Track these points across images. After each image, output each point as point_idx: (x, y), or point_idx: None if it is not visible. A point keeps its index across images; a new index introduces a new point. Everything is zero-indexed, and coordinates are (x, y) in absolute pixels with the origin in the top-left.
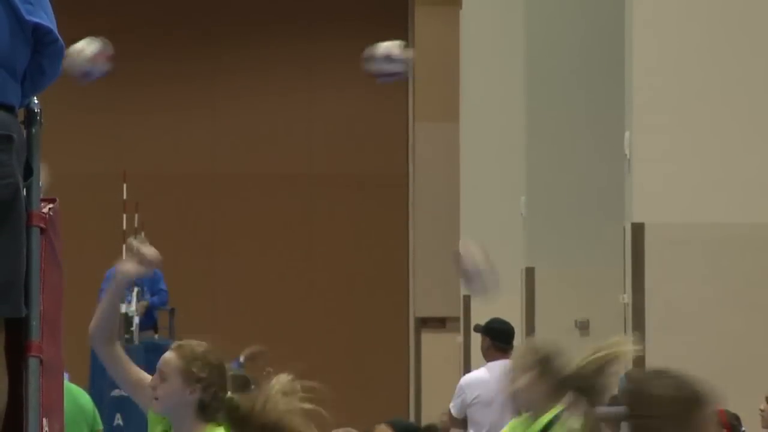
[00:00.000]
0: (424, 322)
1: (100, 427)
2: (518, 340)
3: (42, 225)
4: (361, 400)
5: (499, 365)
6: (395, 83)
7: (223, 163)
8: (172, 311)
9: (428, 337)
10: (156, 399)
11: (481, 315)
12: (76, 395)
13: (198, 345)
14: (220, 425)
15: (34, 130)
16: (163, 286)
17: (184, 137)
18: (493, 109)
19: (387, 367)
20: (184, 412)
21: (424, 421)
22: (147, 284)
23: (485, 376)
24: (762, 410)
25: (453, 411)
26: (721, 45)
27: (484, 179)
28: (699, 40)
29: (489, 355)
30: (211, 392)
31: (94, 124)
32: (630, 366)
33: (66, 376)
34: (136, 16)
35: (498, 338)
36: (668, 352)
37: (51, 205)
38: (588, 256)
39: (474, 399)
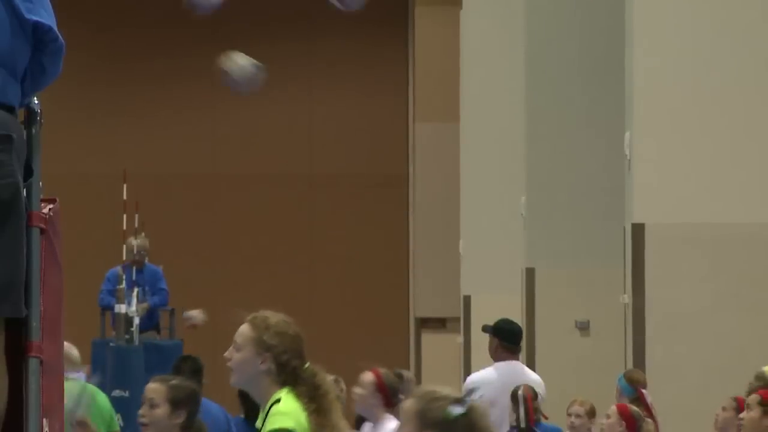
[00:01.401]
0: (425, 323)
1: (117, 428)
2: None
3: (42, 225)
4: None
5: (507, 365)
6: (397, 84)
7: (223, 163)
8: (172, 311)
9: (428, 338)
10: (232, 370)
11: (482, 315)
12: (94, 395)
13: (273, 315)
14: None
15: (34, 130)
16: (163, 285)
17: (184, 137)
18: (493, 109)
19: (387, 367)
20: (258, 381)
21: None
22: (148, 284)
23: (491, 376)
24: (717, 415)
25: None
26: (722, 45)
27: (484, 179)
28: (700, 40)
29: (497, 356)
30: (282, 360)
31: (94, 124)
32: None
33: (83, 377)
34: (137, 15)
35: (506, 339)
36: (668, 352)
37: (51, 206)
38: (588, 256)
39: (478, 398)
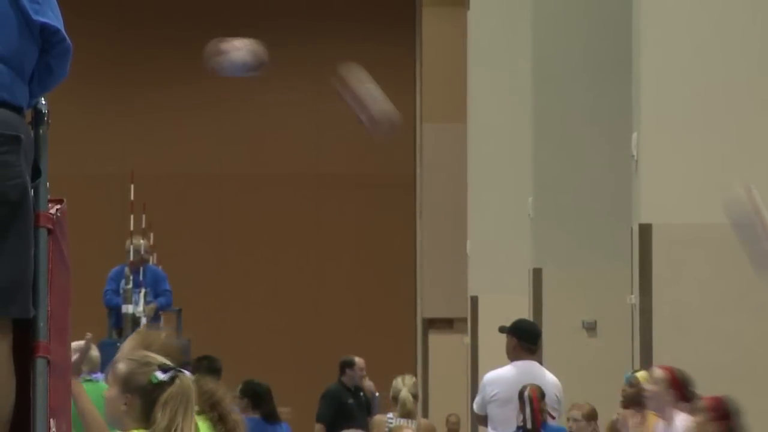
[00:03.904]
0: (432, 323)
1: None
2: None
3: (49, 226)
4: None
5: (526, 365)
6: (404, 85)
7: (230, 163)
8: (179, 311)
9: (435, 338)
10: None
11: (489, 316)
12: None
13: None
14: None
15: (41, 131)
16: (167, 286)
17: (191, 138)
18: (500, 109)
19: (394, 368)
20: None
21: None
22: (150, 285)
23: (509, 374)
24: (618, 415)
25: (475, 407)
26: (729, 45)
27: (491, 180)
28: (707, 41)
29: (515, 355)
30: None
31: (101, 125)
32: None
33: (102, 377)
34: (143, 16)
35: (524, 338)
36: (675, 352)
37: (58, 206)
38: (595, 256)
39: (493, 396)
